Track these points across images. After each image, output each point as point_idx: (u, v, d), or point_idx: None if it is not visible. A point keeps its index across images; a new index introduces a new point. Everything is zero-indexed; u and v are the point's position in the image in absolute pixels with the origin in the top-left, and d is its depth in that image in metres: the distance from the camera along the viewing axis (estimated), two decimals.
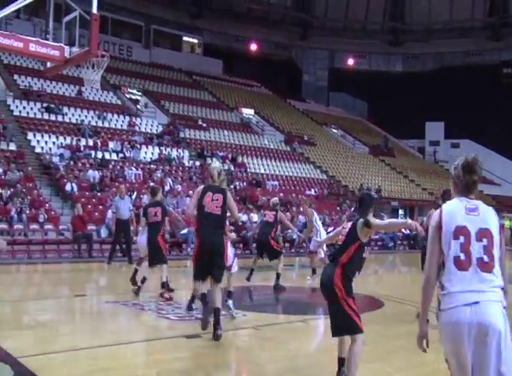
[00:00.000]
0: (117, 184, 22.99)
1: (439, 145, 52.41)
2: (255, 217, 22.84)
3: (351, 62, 55.95)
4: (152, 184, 13.78)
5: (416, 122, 49.32)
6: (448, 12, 51.53)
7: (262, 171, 32.42)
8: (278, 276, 11.19)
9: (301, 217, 23.65)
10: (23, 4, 10.68)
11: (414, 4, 53.14)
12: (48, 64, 11.64)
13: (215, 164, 8.47)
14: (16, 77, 31.99)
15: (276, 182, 30.41)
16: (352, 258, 5.24)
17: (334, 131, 47.25)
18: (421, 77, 51.14)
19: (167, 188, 23.96)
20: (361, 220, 5.26)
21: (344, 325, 5.23)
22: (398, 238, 26.74)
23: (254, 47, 53.41)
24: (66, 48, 10.51)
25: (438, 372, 5.91)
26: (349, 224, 5.46)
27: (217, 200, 7.17)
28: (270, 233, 11.68)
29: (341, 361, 5.44)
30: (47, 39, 10.60)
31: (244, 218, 22.12)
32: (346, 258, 5.21)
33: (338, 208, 29.28)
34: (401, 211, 37.22)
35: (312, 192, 30.99)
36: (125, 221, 15.58)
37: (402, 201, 36.52)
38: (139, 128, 31.64)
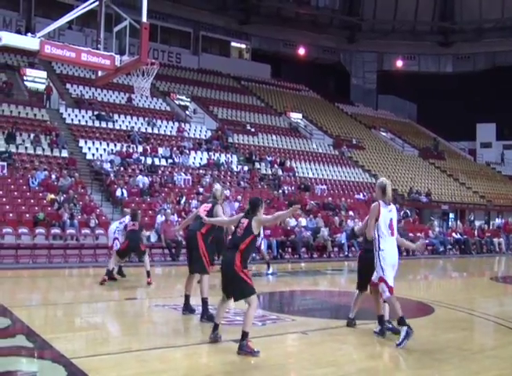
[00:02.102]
0: (166, 189, 23.33)
1: (491, 147, 51.25)
2: (304, 221, 22.80)
3: (400, 64, 55.33)
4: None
5: (467, 124, 48.36)
6: (499, 9, 50.36)
7: (311, 175, 32.34)
8: None
9: (349, 221, 23.50)
10: (75, 15, 10.99)
11: (464, 2, 52.17)
12: (100, 73, 11.92)
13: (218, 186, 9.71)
14: (68, 86, 32.87)
15: (325, 187, 30.27)
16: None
17: (383, 134, 46.77)
18: (472, 78, 50.15)
19: None
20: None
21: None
22: (448, 243, 26.22)
23: (301, 51, 53.38)
24: (117, 57, 10.74)
25: None
26: None
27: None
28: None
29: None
30: (98, 49, 10.86)
31: (293, 222, 22.10)
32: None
33: None
34: (451, 215, 36.56)
35: (361, 196, 30.74)
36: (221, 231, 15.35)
37: (453, 205, 35.85)
38: (188, 133, 31.99)
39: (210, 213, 8.66)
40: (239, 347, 6.49)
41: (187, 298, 8.90)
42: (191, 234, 8.72)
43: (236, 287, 6.73)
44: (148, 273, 12.20)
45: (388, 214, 7.39)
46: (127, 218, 12.98)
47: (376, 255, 7.32)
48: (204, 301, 8.52)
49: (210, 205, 8.90)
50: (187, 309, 8.87)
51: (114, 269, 12.42)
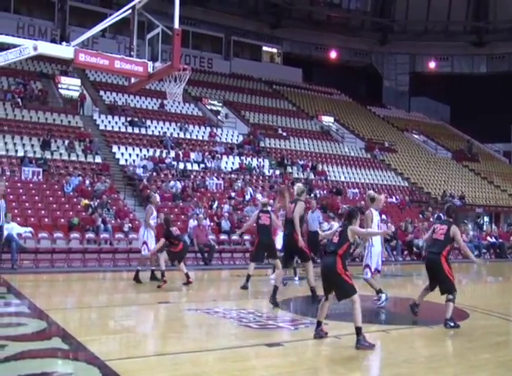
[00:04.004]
0: (198, 194, 23.47)
1: None
2: (336, 225, 22.65)
3: (432, 65, 54.81)
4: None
5: (502, 125, 47.59)
6: None
7: (343, 179, 32.22)
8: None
9: (382, 225, 23.25)
10: (108, 23, 11.17)
11: (498, 1, 51.30)
12: (133, 80, 12.08)
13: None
14: (101, 93, 33.35)
15: (357, 190, 30.11)
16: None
17: (416, 136, 46.34)
18: (507, 78, 49.31)
19: (247, 197, 24.22)
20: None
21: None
22: (483, 246, 25.81)
23: (333, 54, 53.30)
24: (150, 63, 10.87)
25: None
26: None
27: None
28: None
29: None
30: (131, 56, 11.01)
31: (325, 226, 22.00)
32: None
33: (421, 216, 28.64)
34: (486, 219, 36.00)
35: (394, 199, 30.49)
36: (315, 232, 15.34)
37: (487, 208, 35.31)
38: (220, 138, 32.14)
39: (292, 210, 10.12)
40: (356, 342, 6.93)
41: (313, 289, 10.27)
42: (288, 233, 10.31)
43: (339, 288, 7.16)
44: (187, 275, 12.54)
45: (376, 217, 10.03)
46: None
47: (369, 249, 10.02)
48: (312, 289, 10.18)
49: (293, 205, 10.29)
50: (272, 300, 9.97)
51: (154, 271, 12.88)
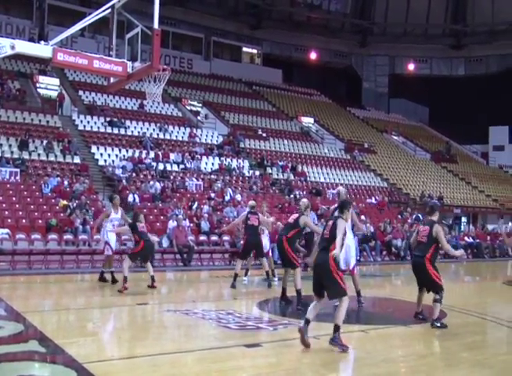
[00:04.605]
0: (177, 195, 23.40)
1: (503, 150, 50.96)
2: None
3: (411, 67, 55.23)
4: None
5: (480, 127, 48.19)
6: None
7: (322, 179, 32.35)
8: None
9: (361, 225, 23.36)
10: (87, 23, 11.10)
11: (476, 5, 51.85)
12: (112, 80, 12.02)
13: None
14: (80, 92, 33.10)
15: (336, 191, 30.18)
16: None
17: (395, 138, 46.67)
18: (485, 81, 49.90)
19: (227, 198, 24.20)
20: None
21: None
22: (460, 246, 26.01)
23: (313, 56, 53.45)
24: (129, 63, 10.83)
25: None
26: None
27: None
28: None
29: None
30: (110, 55, 10.96)
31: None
32: None
33: (400, 217, 28.85)
34: (464, 219, 36.37)
35: (373, 200, 30.67)
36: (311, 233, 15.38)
37: (465, 208, 35.68)
38: (200, 139, 32.09)
39: (296, 222, 10.43)
40: (331, 339, 6.94)
41: (284, 290, 10.53)
42: (279, 239, 10.64)
43: (330, 287, 7.06)
44: (152, 278, 12.28)
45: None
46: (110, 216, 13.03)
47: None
48: (298, 292, 10.15)
49: (297, 215, 10.63)
50: (283, 299, 10.48)
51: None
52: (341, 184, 31.84)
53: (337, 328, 6.98)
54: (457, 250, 25.06)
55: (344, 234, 7.24)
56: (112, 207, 13.23)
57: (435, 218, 8.71)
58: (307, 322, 7.14)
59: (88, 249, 17.73)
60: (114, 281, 12.66)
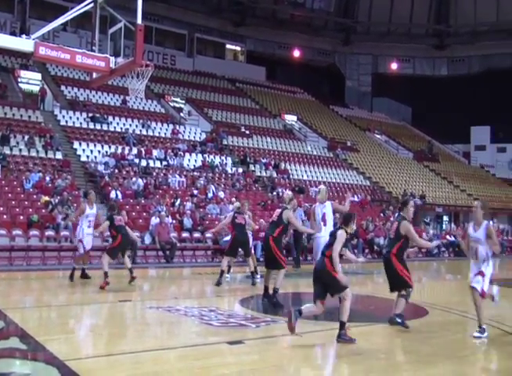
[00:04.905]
0: (160, 191, 23.33)
1: (485, 149, 51.45)
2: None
3: (394, 66, 55.52)
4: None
5: (462, 127, 48.60)
6: (494, 13, 50.54)
7: (305, 177, 32.40)
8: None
9: None
10: (70, 17, 11.00)
11: (459, 6, 52.36)
12: (94, 75, 11.92)
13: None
14: (62, 88, 32.87)
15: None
16: None
17: (378, 136, 46.90)
18: (467, 81, 50.33)
19: (210, 195, 24.17)
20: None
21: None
22: (442, 245, 26.26)
23: (296, 53, 53.50)
24: (112, 58, 10.74)
25: None
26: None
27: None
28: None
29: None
30: (93, 50, 10.86)
31: None
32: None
33: (382, 215, 29.00)
34: (445, 218, 36.65)
35: (356, 198, 30.77)
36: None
37: (447, 207, 35.97)
38: (183, 135, 32.01)
39: (279, 218, 10.22)
40: (338, 336, 7.14)
41: (266, 288, 10.38)
42: (265, 238, 10.52)
43: (331, 285, 7.33)
44: (131, 270, 12.20)
45: (322, 210, 10.37)
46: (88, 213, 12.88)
47: (317, 241, 10.22)
48: (275, 291, 10.11)
49: (279, 210, 10.35)
50: (265, 297, 10.34)
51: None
52: (324, 182, 31.96)
53: (342, 325, 7.18)
54: (440, 249, 25.37)
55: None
56: (87, 203, 13.04)
57: (405, 214, 8.44)
58: (299, 312, 7.31)
59: (70, 245, 17.57)
60: (72, 279, 12.63)
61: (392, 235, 8.44)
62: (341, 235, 7.42)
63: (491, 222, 8.00)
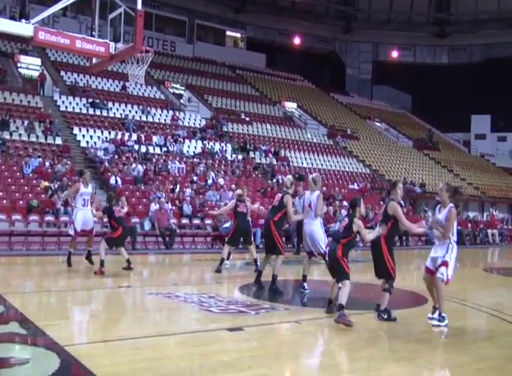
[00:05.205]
0: (160, 178, 23.29)
1: (485, 138, 51.34)
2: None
3: (395, 54, 55.31)
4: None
5: (462, 115, 48.50)
6: (495, 1, 50.31)
7: (305, 165, 32.35)
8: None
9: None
10: (70, 2, 10.91)
11: None
12: (94, 60, 11.87)
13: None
14: (62, 73, 32.73)
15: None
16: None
17: (378, 124, 46.81)
18: (468, 70, 50.20)
19: (209, 181, 24.14)
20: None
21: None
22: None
23: (297, 41, 53.26)
24: (112, 44, 10.68)
25: (480, 372, 5.83)
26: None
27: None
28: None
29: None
30: (93, 36, 10.81)
31: None
32: None
33: (382, 202, 28.95)
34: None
35: (355, 186, 30.77)
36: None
37: None
38: (183, 122, 31.93)
39: (280, 202, 10.13)
40: (336, 317, 7.32)
41: (259, 273, 10.46)
42: (266, 223, 10.44)
43: (337, 272, 7.81)
44: (128, 260, 12.09)
45: (310, 198, 10.05)
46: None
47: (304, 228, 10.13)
48: (274, 276, 10.04)
49: (281, 195, 10.27)
50: (256, 282, 10.39)
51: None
52: (323, 170, 31.97)
53: (341, 307, 7.34)
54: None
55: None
56: (82, 182, 12.79)
57: (394, 195, 8.10)
58: (330, 302, 7.94)
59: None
60: (70, 264, 12.49)
61: (381, 217, 8.11)
62: (358, 221, 7.71)
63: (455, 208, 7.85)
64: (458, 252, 7.83)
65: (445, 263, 7.65)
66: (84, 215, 12.60)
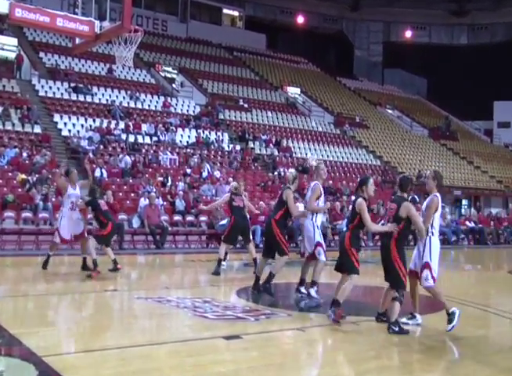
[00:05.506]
0: (150, 170, 23.25)
1: (509, 127, 51.21)
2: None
3: (408, 34, 55.23)
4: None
5: (483, 101, 48.39)
6: None
7: (309, 156, 32.25)
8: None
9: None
10: None
11: None
12: (77, 40, 11.81)
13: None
14: (41, 54, 32.64)
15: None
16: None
17: (389, 111, 46.78)
18: (489, 51, 50.08)
19: (205, 174, 24.11)
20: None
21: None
22: (461, 232, 26.14)
23: (300, 20, 53.21)
24: (97, 22, 10.63)
25: None
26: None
27: None
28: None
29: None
30: (76, 13, 10.74)
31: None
32: None
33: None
34: (464, 202, 36.56)
35: None
36: None
37: (466, 190, 35.88)
38: (175, 109, 31.91)
39: (280, 199, 9.94)
40: (331, 312, 7.59)
41: (257, 279, 10.11)
42: (267, 221, 10.31)
43: (344, 263, 7.91)
44: (114, 261, 11.96)
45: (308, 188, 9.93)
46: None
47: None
48: (272, 275, 9.89)
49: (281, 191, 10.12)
50: (255, 289, 10.07)
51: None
52: (330, 161, 31.94)
53: (336, 303, 7.63)
54: (459, 236, 25.27)
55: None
56: (69, 183, 12.66)
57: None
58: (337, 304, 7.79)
59: (50, 229, 17.51)
60: (45, 267, 12.27)
61: (392, 219, 7.87)
62: (361, 204, 7.80)
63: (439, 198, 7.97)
64: (440, 247, 7.92)
65: (426, 265, 7.65)
66: (71, 218, 12.24)
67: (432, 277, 7.63)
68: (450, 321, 7.54)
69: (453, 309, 7.59)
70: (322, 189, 9.83)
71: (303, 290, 9.93)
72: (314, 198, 9.66)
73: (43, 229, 17.48)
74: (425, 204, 7.99)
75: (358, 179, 8.92)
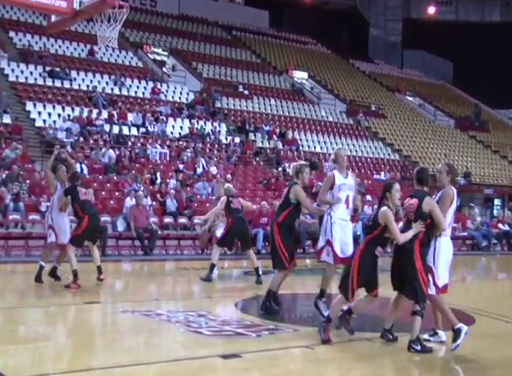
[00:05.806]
0: (137, 166, 23.26)
1: None
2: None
3: (432, 10, 55.22)
4: None
5: None
6: None
7: (318, 149, 32.38)
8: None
9: (366, 208, 23.42)
10: None
11: None
12: (53, 18, 11.80)
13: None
14: (12, 34, 32.71)
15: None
16: None
17: (410, 99, 46.82)
18: None
19: (199, 170, 24.12)
20: None
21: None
22: (493, 236, 26.03)
23: None
24: None
25: None
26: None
27: None
28: None
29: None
30: None
31: None
32: None
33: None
34: (497, 201, 36.50)
35: (382, 176, 30.75)
36: None
37: (499, 189, 35.83)
38: (165, 96, 31.97)
39: (286, 197, 9.54)
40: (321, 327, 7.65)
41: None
42: (271, 226, 10.07)
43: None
44: (99, 269, 11.95)
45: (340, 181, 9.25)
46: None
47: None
48: (270, 292, 9.65)
49: (286, 189, 9.73)
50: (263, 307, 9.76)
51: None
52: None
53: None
54: (490, 240, 25.24)
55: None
56: (58, 181, 12.29)
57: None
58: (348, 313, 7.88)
59: (21, 232, 17.54)
60: (56, 277, 12.10)
61: (412, 216, 7.94)
62: (385, 214, 7.76)
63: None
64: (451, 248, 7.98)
65: (429, 269, 7.55)
66: (63, 221, 12.04)
67: (435, 284, 7.51)
68: (455, 339, 7.44)
69: (459, 326, 7.49)
70: (338, 178, 9.17)
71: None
72: (325, 189, 9.19)
73: (14, 232, 17.45)
74: (437, 197, 7.84)
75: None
